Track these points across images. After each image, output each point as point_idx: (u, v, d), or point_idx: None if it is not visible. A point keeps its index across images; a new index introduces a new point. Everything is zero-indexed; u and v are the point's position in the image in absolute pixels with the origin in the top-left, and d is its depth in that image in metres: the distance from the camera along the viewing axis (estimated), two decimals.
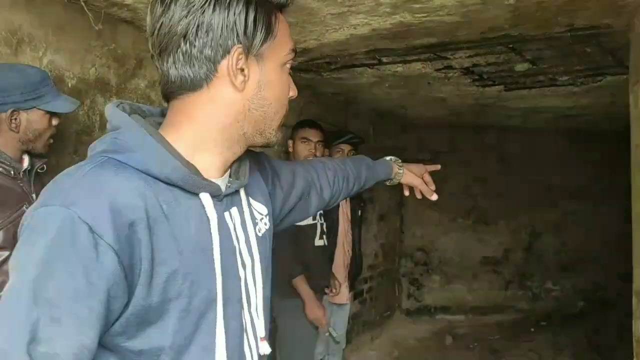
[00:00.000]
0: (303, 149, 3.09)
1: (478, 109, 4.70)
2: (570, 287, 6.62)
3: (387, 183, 1.50)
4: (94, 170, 0.76)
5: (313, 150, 3.09)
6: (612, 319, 6.10)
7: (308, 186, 1.25)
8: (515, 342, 5.43)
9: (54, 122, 1.73)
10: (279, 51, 0.89)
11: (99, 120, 2.18)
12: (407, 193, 1.54)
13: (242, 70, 0.83)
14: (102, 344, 0.74)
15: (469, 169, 6.07)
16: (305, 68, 3.24)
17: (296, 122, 3.36)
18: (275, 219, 1.11)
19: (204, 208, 0.85)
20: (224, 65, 0.82)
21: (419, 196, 1.53)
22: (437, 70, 3.22)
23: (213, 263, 0.84)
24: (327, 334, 3.25)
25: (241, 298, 0.90)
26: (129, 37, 2.31)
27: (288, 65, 0.92)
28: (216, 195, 0.87)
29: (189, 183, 0.83)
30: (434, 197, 1.48)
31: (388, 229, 5.57)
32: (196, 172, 0.84)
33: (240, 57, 0.83)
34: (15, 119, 1.64)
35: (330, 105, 4.24)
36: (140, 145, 0.80)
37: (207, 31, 0.80)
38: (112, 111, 0.85)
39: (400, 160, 1.50)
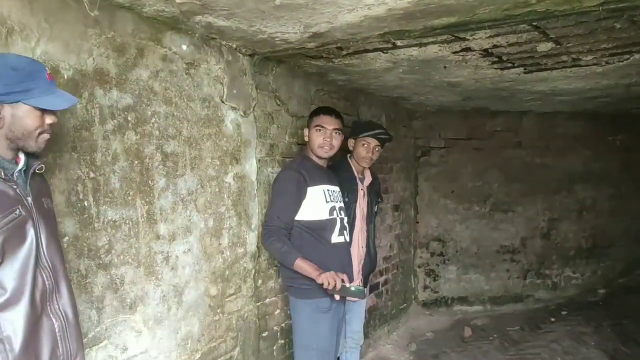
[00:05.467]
0: (317, 137, 2.94)
1: (495, 93, 4.52)
2: (590, 274, 6.47)
3: None
4: None
5: (329, 139, 2.93)
6: (635, 306, 5.94)
7: None
8: (536, 333, 5.29)
9: (48, 120, 1.55)
10: None
11: (98, 114, 2.04)
12: None
13: None
14: None
15: (485, 155, 5.91)
16: (315, 55, 3.08)
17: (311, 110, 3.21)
18: None
19: None
20: None
21: None
22: (455, 52, 3.05)
23: None
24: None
25: None
26: (128, 24, 2.16)
27: None
28: None
29: None
30: None
31: (403, 219, 5.43)
32: None
33: None
34: None
35: (340, 93, 4.08)
36: None
37: None
38: None
39: None
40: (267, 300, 3.20)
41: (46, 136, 1.57)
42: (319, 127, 2.93)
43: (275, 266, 3.24)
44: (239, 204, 2.92)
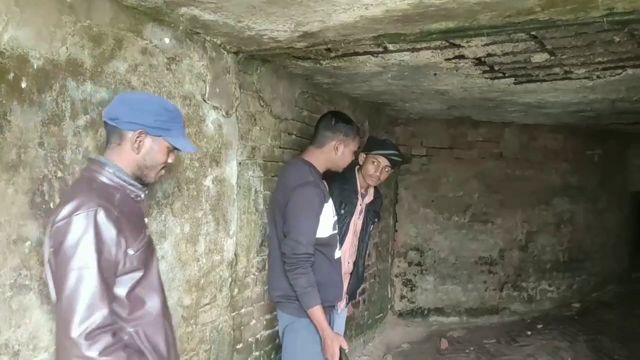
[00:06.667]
0: (349, 157, 2.85)
1: (481, 103, 4.45)
2: (566, 288, 6.47)
3: None
4: None
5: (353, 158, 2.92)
6: (609, 321, 5.95)
7: None
8: (512, 346, 5.24)
9: (170, 159, 1.77)
10: None
11: (69, 108, 1.86)
12: None
13: None
14: None
15: (466, 165, 5.85)
16: (303, 55, 2.95)
17: (335, 113, 3.01)
18: None
19: None
20: None
21: None
22: (447, 59, 2.95)
23: None
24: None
25: None
26: (106, 12, 1.99)
27: None
28: None
29: None
30: None
31: (382, 227, 5.32)
32: None
33: None
34: (140, 140, 1.68)
35: (324, 96, 3.96)
36: None
37: None
38: None
39: None
40: (243, 310, 3.05)
41: (163, 172, 1.81)
42: (355, 151, 2.86)
43: (253, 274, 3.10)
44: (217, 209, 2.76)
